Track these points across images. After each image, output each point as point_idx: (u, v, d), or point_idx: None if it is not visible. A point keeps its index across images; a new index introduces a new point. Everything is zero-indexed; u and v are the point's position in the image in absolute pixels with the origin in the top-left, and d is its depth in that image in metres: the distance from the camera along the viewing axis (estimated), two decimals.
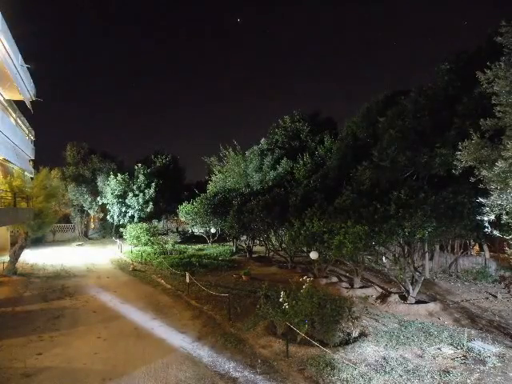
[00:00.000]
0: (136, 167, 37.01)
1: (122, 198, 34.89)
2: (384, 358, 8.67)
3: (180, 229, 40.70)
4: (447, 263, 18.53)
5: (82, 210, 37.86)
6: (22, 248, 19.11)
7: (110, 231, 38.79)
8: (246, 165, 28.24)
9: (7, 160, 20.89)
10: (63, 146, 38.65)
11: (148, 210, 35.53)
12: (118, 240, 31.09)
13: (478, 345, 9.41)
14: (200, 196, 28.54)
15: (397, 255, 14.26)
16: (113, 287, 16.37)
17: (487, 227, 12.69)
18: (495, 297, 14.10)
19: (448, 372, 8.00)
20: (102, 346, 9.73)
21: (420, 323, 11.15)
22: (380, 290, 14.90)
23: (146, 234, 28.47)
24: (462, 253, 18.64)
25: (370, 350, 9.13)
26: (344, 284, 15.93)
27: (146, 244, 27.96)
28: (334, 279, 16.86)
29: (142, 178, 36.13)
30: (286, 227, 18.98)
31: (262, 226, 21.31)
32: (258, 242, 26.27)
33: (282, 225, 20.31)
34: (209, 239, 30.88)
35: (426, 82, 16.31)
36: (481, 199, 11.11)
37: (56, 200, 23.15)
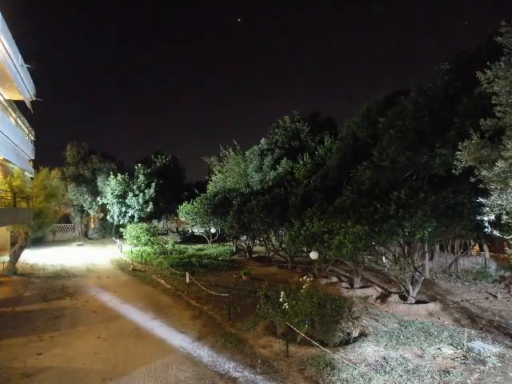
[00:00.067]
0: (136, 167, 37.02)
1: (121, 198, 34.90)
2: (384, 358, 8.68)
3: (180, 229, 40.72)
4: (447, 263, 18.54)
5: (82, 210, 37.90)
6: (21, 248, 19.11)
7: (110, 231, 38.81)
8: (246, 165, 28.22)
9: (7, 160, 20.90)
10: (63, 146, 38.78)
11: (148, 210, 35.55)
12: (118, 240, 31.10)
13: (477, 345, 9.41)
14: (200, 196, 28.52)
15: (397, 255, 14.27)
16: (113, 287, 16.37)
17: (487, 227, 12.70)
18: (495, 297, 14.11)
19: (448, 372, 8.00)
20: (102, 346, 9.74)
21: (420, 323, 11.15)
22: (380, 290, 14.90)
23: (146, 234, 28.46)
24: (462, 253, 18.64)
25: (369, 350, 9.14)
26: (344, 284, 15.93)
27: (145, 244, 27.96)
28: (334, 279, 16.86)
29: (141, 178, 36.15)
30: (286, 227, 18.98)
31: (262, 226, 21.30)
32: (257, 241, 26.27)
33: (282, 225, 20.31)
34: (209, 239, 30.88)
35: (425, 82, 16.19)
36: (481, 199, 11.11)
37: (56, 200, 23.15)
